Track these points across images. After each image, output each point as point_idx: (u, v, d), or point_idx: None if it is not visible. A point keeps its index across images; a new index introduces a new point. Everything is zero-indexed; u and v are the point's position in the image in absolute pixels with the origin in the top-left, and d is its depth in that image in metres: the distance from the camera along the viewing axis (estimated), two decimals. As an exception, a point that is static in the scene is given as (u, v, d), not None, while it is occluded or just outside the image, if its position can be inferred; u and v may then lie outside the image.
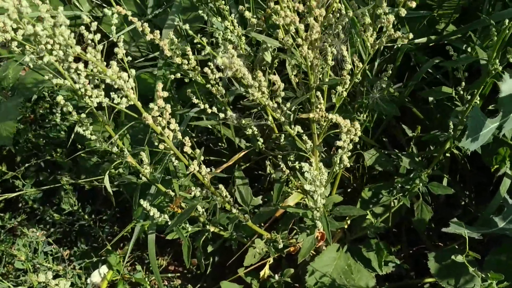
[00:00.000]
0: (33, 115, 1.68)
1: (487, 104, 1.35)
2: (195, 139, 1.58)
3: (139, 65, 1.57)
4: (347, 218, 1.43)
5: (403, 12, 0.87)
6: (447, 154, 1.40)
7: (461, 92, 1.24)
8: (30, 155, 1.66)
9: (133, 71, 0.86)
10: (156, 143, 0.97)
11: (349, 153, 1.01)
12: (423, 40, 1.36)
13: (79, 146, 1.61)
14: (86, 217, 1.56)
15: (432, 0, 1.55)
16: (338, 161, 1.03)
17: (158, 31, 1.01)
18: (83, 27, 0.82)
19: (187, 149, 1.00)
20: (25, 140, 1.64)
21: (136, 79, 1.56)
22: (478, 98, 1.21)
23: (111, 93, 0.92)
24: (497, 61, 1.12)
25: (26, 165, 1.58)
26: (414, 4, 0.85)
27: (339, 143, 0.97)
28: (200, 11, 1.15)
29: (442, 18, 1.53)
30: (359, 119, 1.31)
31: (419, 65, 1.47)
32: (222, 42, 1.11)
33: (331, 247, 1.41)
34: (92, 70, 0.82)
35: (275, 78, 0.93)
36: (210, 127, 1.47)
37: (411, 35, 0.89)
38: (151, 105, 0.91)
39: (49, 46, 0.79)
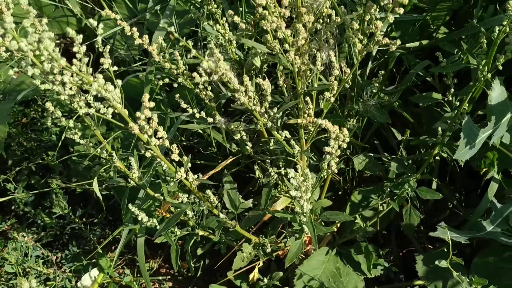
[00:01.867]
0: (25, 118, 1.68)
1: (477, 108, 1.36)
2: (185, 143, 1.58)
3: (131, 69, 1.57)
4: (337, 222, 1.44)
5: (391, 18, 0.87)
6: (437, 158, 1.41)
7: (450, 98, 1.25)
8: (22, 159, 1.66)
9: (119, 82, 0.86)
10: (143, 151, 0.97)
11: (337, 159, 1.02)
12: (415, 44, 1.37)
13: (71, 149, 1.61)
14: (77, 220, 1.56)
15: (424, 3, 1.55)
16: (326, 167, 1.04)
17: (147, 36, 1.02)
18: (72, 32, 0.82)
19: (175, 156, 1.00)
20: (17, 144, 1.64)
21: (126, 84, 1.57)
22: (467, 104, 1.22)
23: (97, 103, 0.92)
24: (486, 68, 1.12)
25: (18, 168, 1.58)
26: (401, 11, 0.86)
27: (327, 149, 0.98)
28: (192, 15, 1.15)
29: (435, 21, 1.54)
30: (349, 123, 1.32)
31: (411, 68, 1.48)
32: (213, 46, 1.11)
33: (320, 250, 1.41)
34: (78, 82, 0.82)
35: (262, 82, 0.93)
36: (200, 131, 1.47)
37: (398, 42, 0.90)
38: (138, 113, 0.91)
39: (37, 52, 0.79)
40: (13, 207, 1.65)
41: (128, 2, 1.70)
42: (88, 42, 0.85)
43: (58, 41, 0.84)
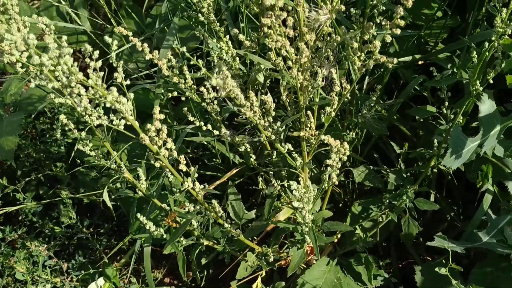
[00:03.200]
0: (34, 130, 1.72)
1: (471, 121, 1.41)
2: (190, 155, 1.63)
3: (137, 83, 1.62)
4: (337, 232, 1.48)
5: (388, 38, 0.92)
6: (434, 170, 1.45)
7: (445, 111, 1.29)
8: (31, 170, 1.71)
9: (131, 95, 0.91)
10: (152, 161, 1.01)
11: (338, 171, 1.06)
12: (408, 58, 1.42)
13: (78, 161, 1.65)
14: (84, 230, 1.60)
15: (420, 20, 1.61)
16: (327, 179, 1.08)
17: (157, 51, 1.07)
18: (89, 48, 0.87)
19: (182, 166, 1.04)
20: (26, 155, 1.69)
21: (134, 96, 1.61)
22: (461, 117, 1.26)
23: (110, 114, 0.97)
24: (478, 82, 1.17)
25: (27, 179, 1.62)
26: (398, 31, 0.91)
27: (328, 161, 1.02)
28: (196, 32, 1.20)
29: (430, 37, 1.59)
30: (348, 136, 1.36)
31: (407, 82, 1.53)
32: (217, 62, 1.16)
33: (321, 260, 1.45)
34: (93, 94, 0.87)
35: (267, 98, 0.98)
36: (205, 143, 1.52)
37: (395, 60, 0.95)
38: (148, 125, 0.95)
39: (52, 67, 0.84)
40: (20, 217, 1.69)
41: (136, 18, 1.75)
42: (99, 57, 0.90)
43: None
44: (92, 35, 1.78)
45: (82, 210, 1.73)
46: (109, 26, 1.78)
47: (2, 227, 1.58)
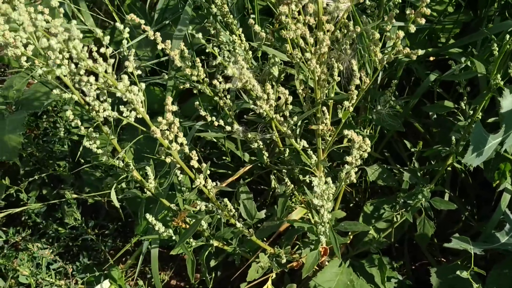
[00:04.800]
0: (37, 129, 1.68)
1: (487, 117, 1.37)
2: (199, 153, 1.59)
3: (142, 80, 1.58)
4: (350, 233, 1.44)
5: (412, 28, 0.88)
6: (449, 169, 1.41)
7: (463, 107, 1.25)
8: (34, 169, 1.66)
9: (143, 85, 0.87)
10: (163, 157, 0.97)
11: (356, 169, 1.02)
12: (421, 52, 1.38)
13: (82, 161, 1.61)
14: (89, 231, 1.56)
15: (432, 15, 1.57)
16: (345, 176, 1.04)
17: (169, 41, 1.02)
18: (99, 32, 0.83)
19: (194, 163, 1.00)
20: (29, 154, 1.64)
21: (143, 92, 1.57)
22: (480, 113, 1.23)
23: (116, 107, 0.93)
24: (499, 76, 1.13)
25: (30, 179, 1.58)
26: (423, 21, 0.87)
27: (348, 158, 0.98)
28: (207, 25, 1.16)
29: (443, 32, 1.56)
30: (362, 134, 1.32)
31: (419, 78, 1.49)
32: (230, 55, 1.12)
33: (334, 262, 1.41)
34: (103, 83, 0.83)
35: (284, 91, 0.94)
36: (214, 140, 1.48)
37: (420, 52, 0.91)
38: (159, 118, 0.91)
39: (57, 61, 0.80)
40: (23, 218, 1.64)
41: (139, 13, 1.71)
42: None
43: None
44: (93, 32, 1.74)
45: (87, 210, 1.69)
46: (111, 22, 1.74)
47: (5, 229, 1.53)
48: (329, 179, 0.95)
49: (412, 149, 1.40)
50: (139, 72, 0.87)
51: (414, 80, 1.58)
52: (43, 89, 1.59)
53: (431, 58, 1.49)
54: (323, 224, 1.08)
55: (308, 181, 1.15)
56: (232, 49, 1.09)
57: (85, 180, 1.60)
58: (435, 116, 1.45)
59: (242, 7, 1.33)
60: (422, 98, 1.55)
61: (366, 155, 0.97)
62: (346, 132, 0.87)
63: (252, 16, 1.24)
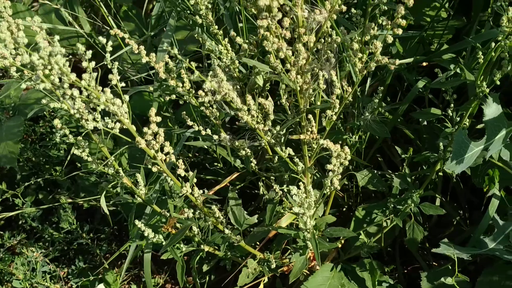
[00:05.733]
0: (34, 134, 1.71)
1: (476, 123, 1.37)
2: (192, 159, 1.61)
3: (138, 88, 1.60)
4: (341, 237, 1.45)
5: (389, 39, 0.89)
6: (440, 174, 1.42)
7: (450, 114, 1.26)
8: (30, 174, 1.69)
9: (126, 97, 0.89)
10: (149, 166, 0.99)
11: (340, 176, 1.04)
12: (409, 60, 1.39)
13: (79, 165, 1.64)
14: (84, 235, 1.58)
15: (424, 20, 1.58)
16: (329, 184, 1.05)
17: (153, 54, 1.04)
18: (82, 47, 0.85)
19: (181, 171, 1.02)
20: (25, 159, 1.67)
21: (133, 101, 1.60)
22: (468, 120, 1.23)
23: (105, 118, 0.95)
24: (484, 83, 1.14)
25: (26, 183, 1.60)
26: (400, 31, 0.88)
27: (329, 166, 1.00)
28: (195, 35, 1.18)
29: (434, 38, 1.56)
30: (351, 140, 1.34)
31: (411, 85, 1.50)
32: (216, 67, 1.14)
33: (325, 266, 1.42)
34: (87, 96, 0.85)
35: (264, 101, 0.96)
36: (206, 147, 1.49)
37: (398, 61, 0.92)
38: (145, 129, 0.93)
39: (47, 71, 0.82)
40: (20, 222, 1.67)
41: (136, 19, 1.73)
42: (96, 62, 0.88)
43: (67, 58, 0.86)
44: (91, 37, 1.76)
45: (83, 215, 1.71)
46: (108, 28, 1.76)
47: (1, 232, 1.56)
48: (309, 187, 0.97)
49: (403, 155, 1.41)
50: (123, 84, 0.89)
51: (407, 86, 1.59)
52: (40, 94, 1.62)
53: (424, 64, 1.50)
54: (308, 230, 1.10)
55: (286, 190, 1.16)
56: (218, 59, 1.10)
57: (80, 185, 1.63)
58: (425, 122, 1.46)
59: (234, 14, 1.35)
60: (414, 104, 1.56)
61: (347, 163, 0.98)
62: (321, 141, 0.89)
63: (240, 25, 1.25)
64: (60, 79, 0.83)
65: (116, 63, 0.88)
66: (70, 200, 1.56)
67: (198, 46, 1.50)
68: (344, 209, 1.64)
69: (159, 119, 0.93)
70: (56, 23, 1.79)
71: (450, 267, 1.41)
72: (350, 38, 0.93)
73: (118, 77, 0.89)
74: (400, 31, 0.86)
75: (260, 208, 1.65)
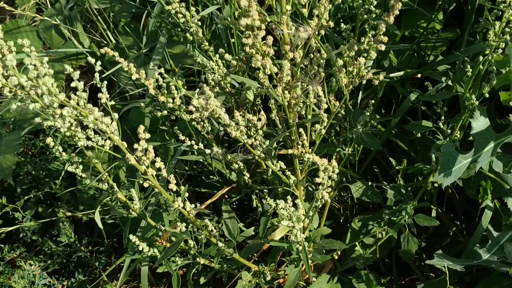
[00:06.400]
0: (34, 147, 1.73)
1: (468, 135, 1.38)
2: (189, 172, 1.62)
3: (134, 101, 1.62)
4: (337, 249, 1.46)
5: (373, 55, 0.90)
6: (435, 185, 1.43)
7: (441, 126, 1.27)
8: (30, 187, 1.71)
9: (115, 115, 0.91)
10: (141, 181, 1.01)
11: (330, 189, 1.05)
12: (400, 74, 1.40)
13: (78, 178, 1.65)
14: (83, 248, 1.60)
15: (419, 33, 1.59)
16: (320, 197, 1.06)
17: (143, 71, 1.06)
18: (69, 68, 0.87)
19: (172, 186, 1.04)
20: (25, 173, 1.69)
21: (132, 113, 1.61)
22: (458, 132, 1.24)
23: (99, 134, 0.97)
24: (474, 96, 1.15)
25: (26, 197, 1.62)
26: (383, 47, 0.89)
27: (317, 180, 1.01)
28: (187, 52, 1.20)
29: (428, 50, 1.57)
30: (344, 152, 1.35)
31: (405, 97, 1.51)
32: (203, 84, 1.15)
33: (322, 278, 1.43)
34: (76, 115, 0.87)
35: (253, 118, 0.97)
36: (202, 160, 1.51)
37: (381, 76, 0.93)
38: (135, 145, 0.95)
39: (39, 91, 0.84)
40: (21, 235, 1.69)
41: (133, 34, 1.76)
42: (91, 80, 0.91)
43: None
44: (91, 52, 1.79)
45: (82, 227, 1.73)
46: (107, 42, 1.79)
47: (2, 245, 1.58)
48: (298, 201, 0.98)
49: (397, 167, 1.41)
50: (112, 102, 0.91)
51: (401, 98, 1.60)
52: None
53: (419, 76, 1.51)
54: (299, 243, 1.10)
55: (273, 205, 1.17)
56: (211, 75, 1.12)
57: (79, 198, 1.65)
58: (418, 134, 1.46)
59: (227, 29, 1.37)
60: (409, 116, 1.57)
61: (335, 176, 0.99)
62: (307, 156, 0.90)
63: (232, 40, 1.27)
64: (48, 100, 0.85)
65: (105, 82, 0.90)
66: (69, 214, 1.58)
67: (194, 61, 1.52)
68: (341, 220, 1.65)
69: (148, 135, 0.95)
70: (56, 38, 1.82)
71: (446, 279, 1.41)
72: (334, 54, 0.94)
73: (108, 96, 0.91)
74: (383, 47, 0.88)
75: (257, 220, 1.66)
